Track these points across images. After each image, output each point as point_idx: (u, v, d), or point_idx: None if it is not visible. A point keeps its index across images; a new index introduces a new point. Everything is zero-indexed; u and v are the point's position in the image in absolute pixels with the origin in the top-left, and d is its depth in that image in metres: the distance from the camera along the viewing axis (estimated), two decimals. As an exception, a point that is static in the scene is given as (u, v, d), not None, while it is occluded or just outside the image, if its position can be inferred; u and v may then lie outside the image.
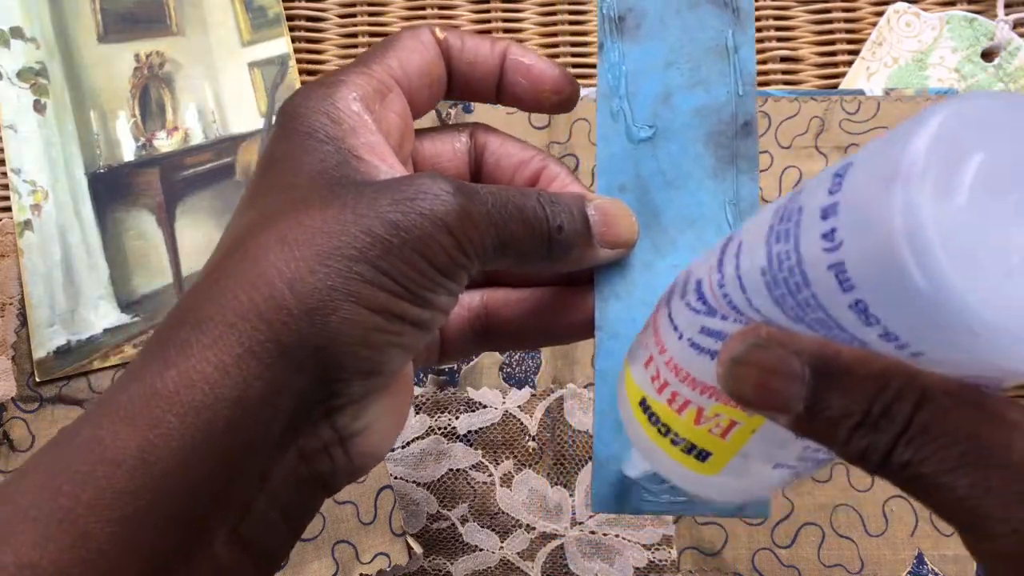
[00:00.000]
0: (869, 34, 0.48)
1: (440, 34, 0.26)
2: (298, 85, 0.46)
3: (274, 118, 0.25)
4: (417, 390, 0.43)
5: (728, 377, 0.18)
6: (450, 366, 0.43)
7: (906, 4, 0.47)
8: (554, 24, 0.48)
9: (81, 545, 0.18)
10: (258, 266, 0.20)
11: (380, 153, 0.23)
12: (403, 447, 0.42)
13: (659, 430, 0.21)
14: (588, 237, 0.25)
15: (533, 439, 0.42)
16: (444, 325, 0.28)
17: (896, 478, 0.17)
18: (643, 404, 0.22)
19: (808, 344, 0.17)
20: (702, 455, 0.21)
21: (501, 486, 0.42)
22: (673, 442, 0.21)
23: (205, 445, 0.19)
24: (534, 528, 0.41)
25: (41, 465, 0.20)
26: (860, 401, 0.16)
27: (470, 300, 0.29)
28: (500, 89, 0.27)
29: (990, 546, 0.17)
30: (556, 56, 0.48)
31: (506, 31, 0.48)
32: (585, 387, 0.43)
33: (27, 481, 0.19)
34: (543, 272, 0.26)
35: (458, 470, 0.42)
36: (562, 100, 0.27)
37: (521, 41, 0.48)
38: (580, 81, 0.47)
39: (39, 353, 0.42)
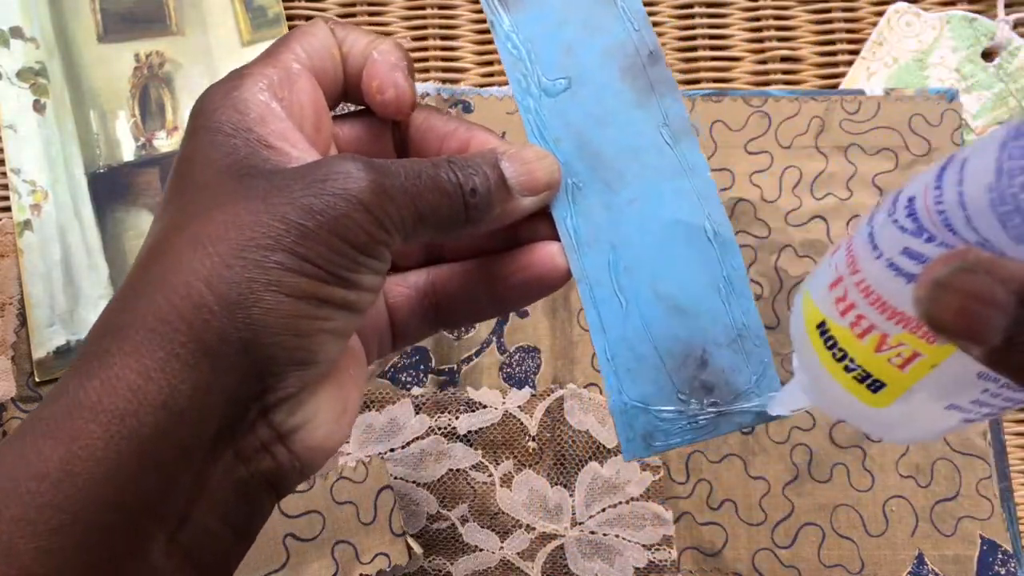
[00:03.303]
0: (869, 34, 0.48)
1: (330, 25, 0.26)
2: (298, 85, 0.46)
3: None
4: (417, 390, 0.43)
5: (927, 300, 0.17)
6: (450, 366, 0.43)
7: (906, 4, 0.47)
8: (554, 24, 0.48)
9: (5, 563, 0.18)
10: (174, 269, 0.20)
11: (291, 139, 0.23)
12: (403, 447, 0.42)
13: (834, 355, 0.21)
14: (506, 191, 0.24)
15: (533, 439, 0.42)
16: (394, 310, 0.28)
17: None
18: (821, 327, 0.22)
19: (1016, 272, 0.16)
20: (875, 385, 0.20)
21: (501, 486, 0.42)
22: (847, 368, 0.21)
23: (131, 453, 0.19)
24: (534, 528, 0.41)
25: None
26: None
27: (416, 280, 0.28)
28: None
29: None
30: (556, 56, 0.48)
31: (506, 31, 0.48)
32: (585, 387, 0.43)
33: None
34: (472, 236, 0.26)
35: (458, 470, 0.42)
36: (386, 100, 0.25)
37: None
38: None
39: (39, 353, 0.42)
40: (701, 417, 0.26)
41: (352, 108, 0.27)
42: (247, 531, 0.22)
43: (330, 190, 0.21)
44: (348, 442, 0.42)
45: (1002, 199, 0.16)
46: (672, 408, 0.26)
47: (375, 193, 0.21)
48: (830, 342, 0.21)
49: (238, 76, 0.23)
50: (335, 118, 0.26)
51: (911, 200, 0.19)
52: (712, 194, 0.27)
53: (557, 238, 0.26)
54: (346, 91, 0.26)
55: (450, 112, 0.27)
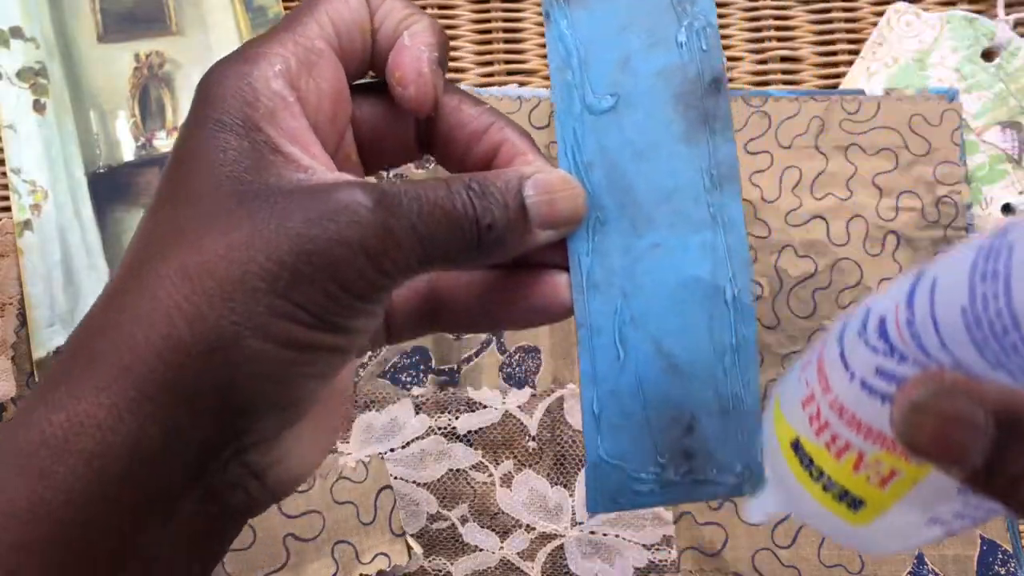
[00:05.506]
0: (869, 34, 0.48)
1: None
2: (298, 85, 0.46)
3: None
4: (417, 390, 0.43)
5: (904, 423, 0.17)
6: (450, 366, 0.43)
7: (906, 4, 0.47)
8: (554, 24, 0.48)
9: None
10: (156, 301, 0.19)
11: (303, 141, 0.21)
12: (403, 447, 0.42)
13: (811, 474, 0.21)
14: (524, 224, 0.22)
15: (533, 439, 0.42)
16: (392, 309, 0.26)
17: None
18: (795, 445, 0.21)
19: (994, 394, 0.16)
20: (855, 504, 0.20)
21: (501, 486, 0.42)
22: (825, 488, 0.20)
23: (99, 494, 0.18)
24: (534, 528, 0.41)
25: None
26: None
27: (417, 282, 0.26)
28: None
29: None
30: (556, 56, 0.48)
31: (506, 31, 0.48)
32: (585, 387, 0.43)
33: None
34: (477, 266, 0.24)
35: (458, 470, 0.42)
36: (406, 96, 0.23)
37: (520, 41, 0.48)
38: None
39: (39, 353, 0.42)
40: (675, 484, 0.25)
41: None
42: (216, 556, 0.22)
43: (332, 233, 0.19)
44: (348, 442, 0.42)
45: (977, 324, 0.16)
46: (648, 472, 0.25)
47: (381, 239, 0.20)
48: (806, 460, 0.21)
49: (252, 55, 0.21)
50: (356, 90, 0.24)
51: (882, 321, 0.19)
52: (743, 253, 0.24)
53: (566, 265, 0.25)
54: (373, 66, 0.24)
55: (482, 101, 0.25)
